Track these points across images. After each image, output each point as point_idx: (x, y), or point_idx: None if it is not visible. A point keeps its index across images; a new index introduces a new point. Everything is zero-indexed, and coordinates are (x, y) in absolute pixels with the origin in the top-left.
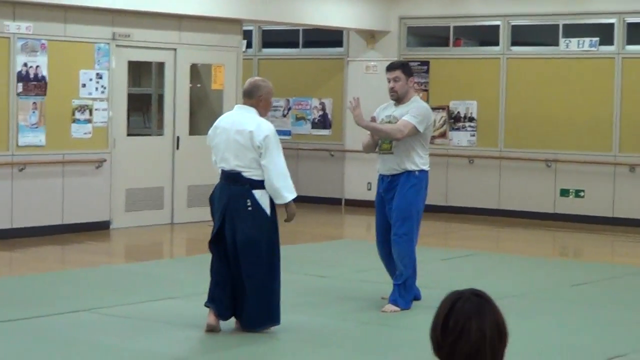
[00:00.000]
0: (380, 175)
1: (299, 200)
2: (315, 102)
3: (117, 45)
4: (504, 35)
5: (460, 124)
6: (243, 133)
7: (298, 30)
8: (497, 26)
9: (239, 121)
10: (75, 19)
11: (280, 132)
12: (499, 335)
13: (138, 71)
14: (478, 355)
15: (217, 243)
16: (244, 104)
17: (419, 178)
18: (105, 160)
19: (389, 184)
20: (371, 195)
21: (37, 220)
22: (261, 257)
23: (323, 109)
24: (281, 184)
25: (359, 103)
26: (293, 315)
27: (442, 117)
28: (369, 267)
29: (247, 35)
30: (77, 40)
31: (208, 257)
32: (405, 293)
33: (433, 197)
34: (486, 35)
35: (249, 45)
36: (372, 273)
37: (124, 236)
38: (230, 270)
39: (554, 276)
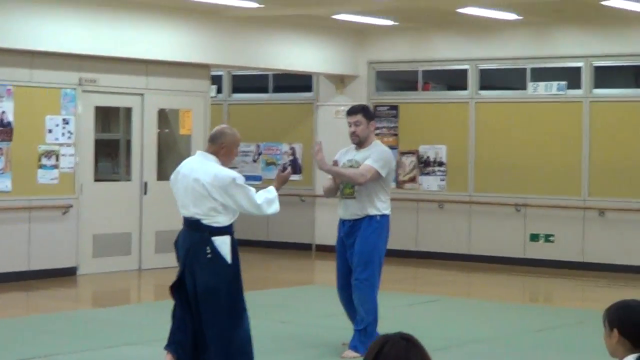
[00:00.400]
0: (341, 220)
1: (269, 245)
2: (285, 147)
3: (83, 91)
4: (473, 79)
5: (430, 169)
6: (199, 182)
7: (268, 75)
8: (466, 70)
9: (197, 169)
10: (41, 65)
11: (250, 178)
12: None
13: (107, 116)
14: None
15: (179, 289)
16: (207, 149)
17: (381, 223)
18: (72, 206)
19: (350, 228)
20: None
21: (2, 267)
22: (221, 306)
23: (293, 153)
24: (260, 211)
25: (322, 147)
26: None
27: (411, 161)
28: (335, 313)
29: (217, 80)
30: (43, 85)
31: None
32: (365, 339)
33: (402, 241)
34: (455, 80)
35: (219, 91)
36: (337, 319)
37: (91, 282)
38: (192, 317)
39: (520, 321)
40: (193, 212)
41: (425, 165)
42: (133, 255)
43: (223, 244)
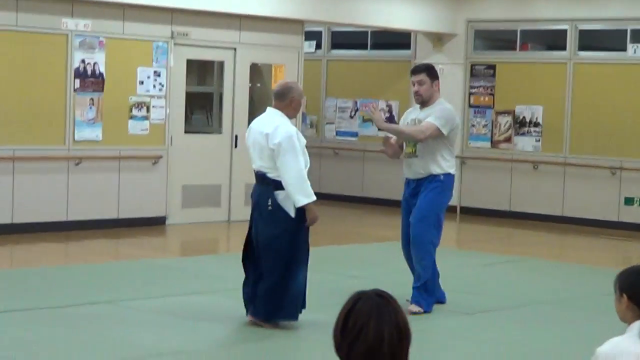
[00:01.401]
0: (406, 179)
1: (365, 201)
2: (382, 104)
3: (175, 44)
4: (571, 40)
5: (526, 129)
6: (262, 135)
7: (366, 32)
8: (565, 30)
9: (263, 123)
10: (133, 17)
11: (346, 134)
12: (398, 336)
13: (202, 69)
14: (376, 356)
15: (248, 241)
16: (275, 106)
17: (443, 181)
18: (161, 157)
19: (414, 188)
20: None
21: (92, 214)
22: (279, 257)
23: (390, 111)
24: (294, 188)
25: (377, 107)
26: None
27: (507, 121)
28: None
29: (316, 36)
30: (135, 38)
31: None
32: (426, 295)
33: (496, 201)
34: (553, 40)
35: (318, 46)
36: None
37: (180, 232)
38: (255, 266)
39: (595, 284)
40: (259, 165)
41: (520, 125)
42: (222, 207)
43: (286, 197)
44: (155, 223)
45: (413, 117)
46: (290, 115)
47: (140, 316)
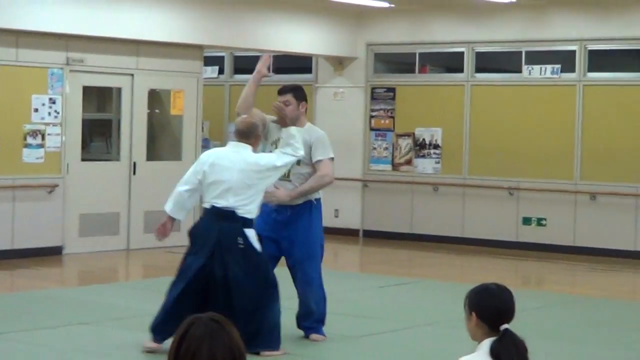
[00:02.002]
0: (275, 206)
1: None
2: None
3: (71, 70)
4: (469, 62)
5: (426, 151)
6: (244, 173)
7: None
8: (462, 53)
9: (238, 160)
10: (27, 44)
11: None
12: None
13: (102, 96)
14: None
15: (196, 278)
16: (237, 141)
17: (318, 207)
18: (57, 185)
19: (288, 216)
20: (339, 222)
21: None
22: (252, 291)
23: None
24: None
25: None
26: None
27: (407, 144)
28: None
29: (219, 61)
30: (29, 65)
31: (160, 281)
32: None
33: (397, 224)
34: (451, 62)
35: (220, 72)
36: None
37: (77, 261)
38: (202, 303)
39: None
40: (232, 202)
41: (420, 147)
42: (121, 235)
43: (252, 234)
44: (52, 253)
45: (276, 138)
46: (255, 149)
47: (16, 348)
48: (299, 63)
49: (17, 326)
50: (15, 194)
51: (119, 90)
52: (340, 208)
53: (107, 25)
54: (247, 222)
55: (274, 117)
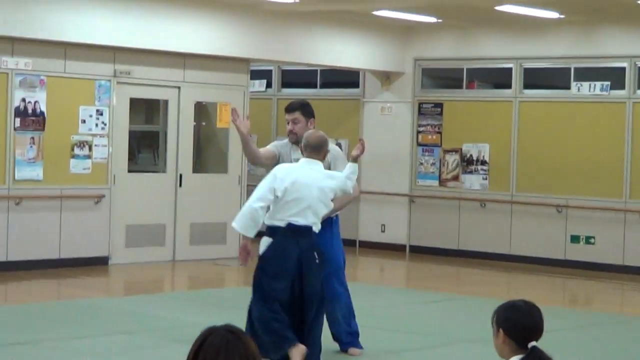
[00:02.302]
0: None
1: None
2: (332, 143)
3: (118, 82)
4: (517, 78)
5: (473, 167)
6: (323, 191)
7: (316, 70)
8: (510, 69)
9: (317, 178)
10: (75, 56)
11: None
12: None
13: (150, 108)
14: None
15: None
16: (310, 157)
17: (337, 223)
18: (104, 196)
19: None
20: (385, 237)
21: (33, 254)
22: (319, 309)
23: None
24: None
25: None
26: None
27: (454, 159)
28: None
29: (267, 75)
30: (77, 76)
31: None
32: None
33: (445, 240)
34: (499, 78)
35: (268, 85)
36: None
37: (123, 272)
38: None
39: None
40: (311, 220)
41: (468, 163)
42: (167, 246)
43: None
44: (98, 263)
45: (294, 158)
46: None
47: (58, 355)
48: (346, 77)
49: (61, 334)
50: (63, 204)
51: (166, 102)
52: (387, 223)
53: (155, 38)
54: (316, 237)
55: (281, 142)
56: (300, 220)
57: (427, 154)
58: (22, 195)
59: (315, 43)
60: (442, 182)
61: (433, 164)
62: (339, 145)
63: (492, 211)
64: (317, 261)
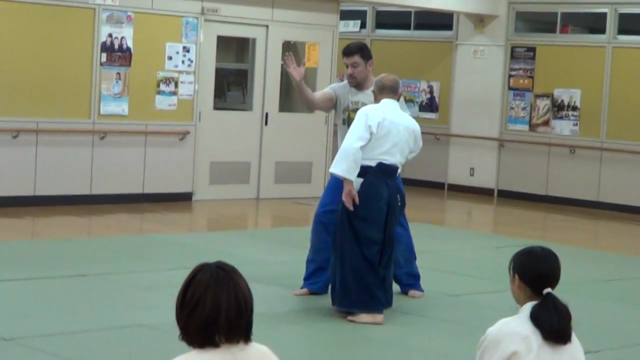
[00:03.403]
0: None
1: (404, 182)
2: (423, 85)
3: (205, 20)
4: (611, 24)
5: (564, 113)
6: (409, 130)
7: (410, 12)
8: (605, 14)
9: (403, 116)
10: None
11: None
12: (237, 309)
13: (240, 46)
14: (211, 327)
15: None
16: (388, 98)
17: None
18: (189, 133)
19: None
20: (474, 181)
21: (116, 189)
22: (395, 251)
23: (431, 92)
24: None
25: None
26: None
27: (545, 104)
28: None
29: (361, 15)
30: (164, 13)
31: (288, 231)
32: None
33: (533, 185)
34: (593, 23)
35: (362, 26)
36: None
37: (207, 208)
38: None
39: (597, 271)
40: (398, 159)
41: (559, 109)
42: (251, 184)
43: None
44: (182, 199)
45: (356, 100)
46: None
47: (122, 290)
48: (439, 20)
49: (128, 268)
50: (147, 140)
51: (254, 41)
52: (476, 167)
53: None
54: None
55: (339, 84)
56: (389, 159)
57: (518, 98)
58: (106, 129)
59: None
60: (532, 127)
61: (524, 108)
62: (431, 87)
63: (581, 157)
64: (399, 203)
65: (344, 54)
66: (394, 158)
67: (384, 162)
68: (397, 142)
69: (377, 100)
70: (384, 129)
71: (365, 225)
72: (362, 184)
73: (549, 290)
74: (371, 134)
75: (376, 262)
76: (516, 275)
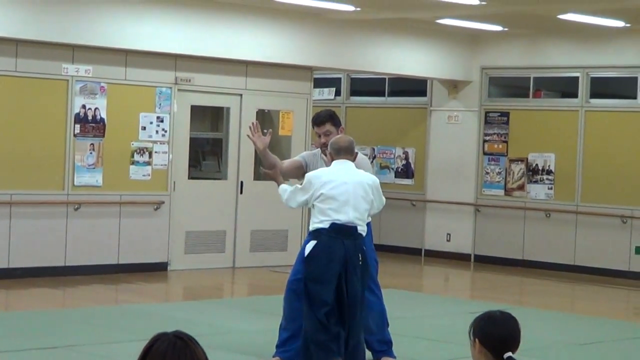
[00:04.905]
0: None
1: (380, 249)
2: (399, 151)
3: (179, 90)
4: (583, 87)
5: (539, 177)
6: (362, 186)
7: (384, 79)
8: (577, 78)
9: (355, 174)
10: (136, 63)
11: None
12: None
13: (215, 115)
14: None
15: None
16: (342, 159)
17: (369, 226)
18: (163, 202)
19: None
20: (451, 247)
21: (91, 259)
22: (363, 312)
23: (406, 157)
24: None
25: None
26: None
27: (520, 169)
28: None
29: (336, 82)
30: (137, 83)
31: (264, 299)
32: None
33: (509, 250)
34: (566, 87)
35: (337, 93)
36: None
37: (182, 278)
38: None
39: (575, 333)
40: (352, 217)
41: (533, 173)
42: (227, 253)
43: (368, 252)
44: (157, 269)
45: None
46: None
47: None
48: (413, 86)
49: (104, 338)
50: (122, 210)
51: (228, 110)
52: (452, 232)
53: (216, 46)
54: (362, 238)
55: (311, 152)
56: (341, 218)
57: (493, 163)
58: (81, 201)
59: (381, 51)
60: (507, 192)
61: (499, 173)
62: (406, 153)
63: (557, 221)
64: (360, 262)
65: (315, 124)
66: (347, 216)
67: (336, 222)
68: (347, 200)
69: (331, 162)
70: (330, 189)
71: (317, 286)
72: (315, 246)
73: (509, 354)
74: (311, 195)
75: (329, 324)
76: (477, 340)
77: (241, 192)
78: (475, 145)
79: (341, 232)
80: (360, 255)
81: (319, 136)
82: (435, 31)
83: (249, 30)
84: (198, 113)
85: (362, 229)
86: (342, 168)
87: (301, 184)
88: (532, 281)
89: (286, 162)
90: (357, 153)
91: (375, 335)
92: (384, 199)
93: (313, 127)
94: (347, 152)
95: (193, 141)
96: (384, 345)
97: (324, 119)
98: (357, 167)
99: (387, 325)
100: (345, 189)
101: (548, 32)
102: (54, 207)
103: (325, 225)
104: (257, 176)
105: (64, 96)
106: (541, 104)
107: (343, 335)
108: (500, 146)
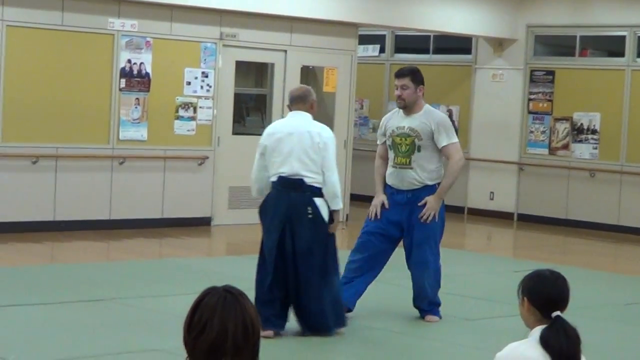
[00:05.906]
0: (394, 189)
1: None
2: (443, 109)
3: (224, 45)
4: (630, 46)
5: (583, 136)
6: (307, 134)
7: (429, 36)
8: (623, 37)
9: (302, 125)
10: (181, 18)
11: None
12: (243, 333)
13: (259, 71)
14: (218, 351)
15: (276, 253)
16: (296, 109)
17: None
18: (207, 158)
19: (407, 198)
20: (494, 205)
21: (135, 213)
22: (316, 265)
23: (450, 116)
24: (337, 190)
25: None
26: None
27: (565, 128)
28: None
29: (380, 39)
30: (182, 39)
31: None
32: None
33: (553, 209)
34: (613, 46)
35: (382, 50)
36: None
37: (225, 233)
38: (285, 276)
39: (615, 294)
40: (297, 169)
41: (578, 132)
42: None
43: (322, 205)
44: (201, 224)
45: (398, 125)
46: (314, 118)
47: (138, 314)
48: (458, 44)
49: (144, 292)
50: (166, 165)
51: (272, 65)
52: (496, 191)
53: (261, 1)
54: (316, 192)
55: (388, 114)
56: (286, 170)
57: (537, 122)
58: (125, 155)
59: (424, 8)
60: (551, 151)
61: (543, 132)
62: (450, 111)
63: (601, 181)
64: (309, 216)
65: (396, 76)
66: (291, 168)
67: (281, 174)
68: (291, 150)
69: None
70: (275, 140)
71: (264, 237)
72: (263, 200)
73: (558, 313)
74: (263, 152)
75: (265, 280)
76: (525, 299)
77: None
78: (519, 103)
79: (286, 185)
80: (309, 208)
81: (397, 88)
82: None
83: None
84: (242, 69)
85: (313, 181)
86: (292, 119)
87: None
88: (575, 241)
89: (381, 152)
90: (314, 101)
91: (427, 293)
92: (332, 163)
93: (394, 79)
94: (300, 102)
95: (237, 97)
96: (430, 306)
97: (405, 72)
98: (436, 127)
99: (439, 286)
100: (289, 140)
101: None
102: (99, 161)
103: (275, 179)
104: None
105: (110, 51)
106: (587, 63)
107: (281, 298)
108: (545, 105)
